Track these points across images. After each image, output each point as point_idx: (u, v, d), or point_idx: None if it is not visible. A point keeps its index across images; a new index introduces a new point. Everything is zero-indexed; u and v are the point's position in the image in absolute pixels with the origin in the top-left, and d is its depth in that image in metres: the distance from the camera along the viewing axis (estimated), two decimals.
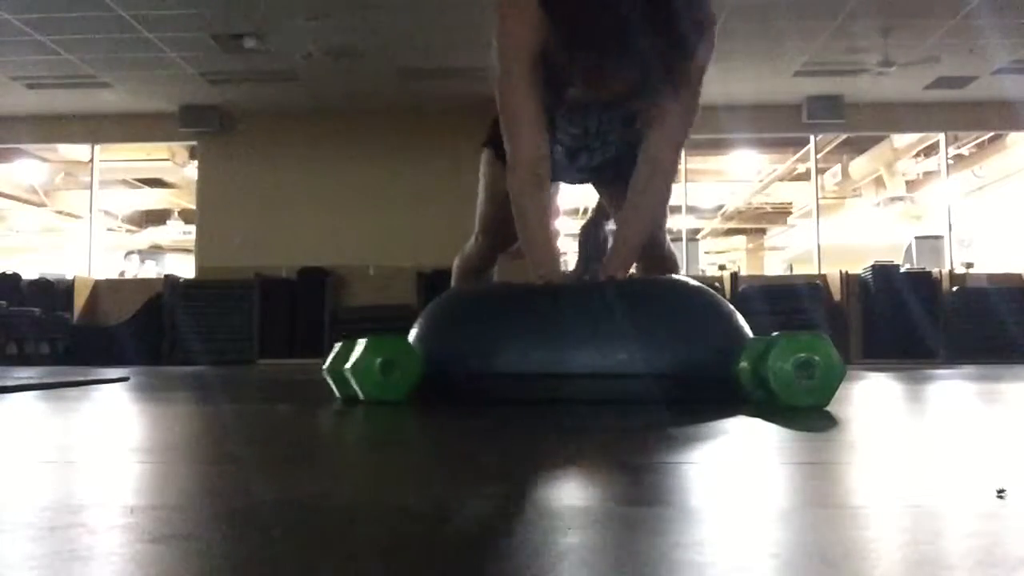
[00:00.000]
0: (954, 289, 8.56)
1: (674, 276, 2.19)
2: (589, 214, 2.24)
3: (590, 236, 2.16)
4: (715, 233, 15.63)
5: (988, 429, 1.35)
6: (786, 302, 8.18)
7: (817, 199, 9.78)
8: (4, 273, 9.18)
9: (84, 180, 10.26)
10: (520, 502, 0.68)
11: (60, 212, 13.07)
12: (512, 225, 2.25)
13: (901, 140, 10.87)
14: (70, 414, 1.64)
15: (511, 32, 1.88)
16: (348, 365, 1.70)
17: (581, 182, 2.42)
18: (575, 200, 10.64)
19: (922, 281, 8.57)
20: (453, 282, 2.56)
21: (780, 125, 9.09)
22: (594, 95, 1.93)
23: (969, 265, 9.12)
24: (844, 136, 10.46)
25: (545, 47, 1.81)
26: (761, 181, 12.73)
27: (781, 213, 14.29)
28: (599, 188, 2.48)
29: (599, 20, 1.72)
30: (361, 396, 1.69)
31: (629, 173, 2.12)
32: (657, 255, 2.44)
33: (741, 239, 16.37)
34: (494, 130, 2.22)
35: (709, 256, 14.74)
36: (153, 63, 7.76)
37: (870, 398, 2.20)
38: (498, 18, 1.91)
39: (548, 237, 1.96)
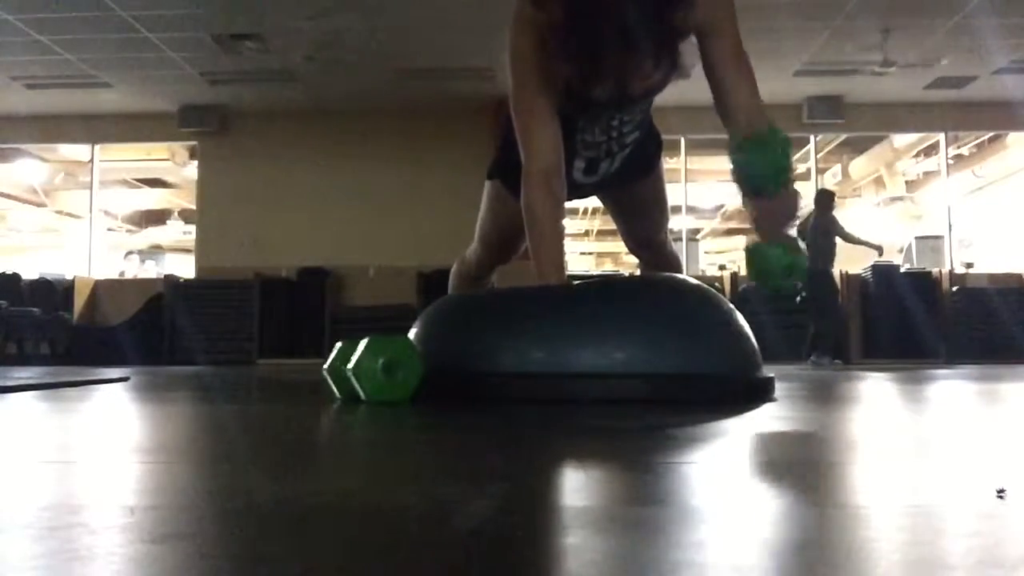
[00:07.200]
0: (954, 289, 8.56)
1: (676, 275, 2.19)
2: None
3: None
4: (715, 233, 15.64)
5: (988, 429, 1.35)
6: (786, 302, 8.17)
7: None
8: (4, 273, 9.18)
9: (84, 180, 10.27)
10: (520, 502, 0.68)
11: (60, 212, 13.08)
12: (513, 241, 2.24)
13: (901, 140, 10.87)
14: (70, 414, 1.64)
15: (520, 47, 1.88)
16: (350, 366, 1.70)
17: (590, 196, 2.39)
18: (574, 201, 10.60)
19: (922, 281, 8.57)
20: (451, 288, 2.55)
21: (780, 125, 9.00)
22: (619, 92, 1.89)
23: (969, 265, 9.13)
24: (844, 136, 10.46)
25: (557, 57, 1.80)
26: None
27: None
28: (609, 203, 2.46)
29: (597, 20, 1.72)
30: (363, 397, 1.69)
31: (639, 179, 2.19)
32: (659, 255, 2.44)
33: (741, 239, 16.37)
34: (499, 158, 2.22)
35: (709, 256, 14.74)
36: (153, 63, 7.76)
37: (870, 398, 2.20)
38: (508, 35, 1.91)
39: (560, 253, 1.93)
